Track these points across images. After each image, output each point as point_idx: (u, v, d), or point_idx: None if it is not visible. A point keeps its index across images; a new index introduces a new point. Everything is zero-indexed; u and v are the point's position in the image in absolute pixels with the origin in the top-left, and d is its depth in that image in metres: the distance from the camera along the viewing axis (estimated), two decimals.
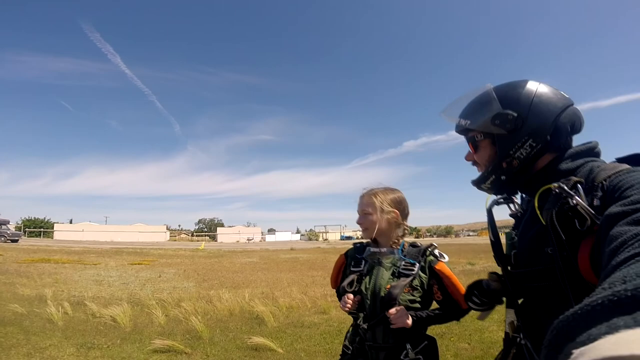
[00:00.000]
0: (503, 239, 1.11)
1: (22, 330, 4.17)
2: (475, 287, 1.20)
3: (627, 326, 0.25)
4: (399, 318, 1.44)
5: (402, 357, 1.51)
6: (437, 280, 1.54)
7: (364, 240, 1.75)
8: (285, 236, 72.06)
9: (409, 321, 1.45)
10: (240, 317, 5.32)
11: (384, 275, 1.56)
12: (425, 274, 1.54)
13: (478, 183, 1.06)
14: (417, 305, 1.51)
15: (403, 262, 1.56)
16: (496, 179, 1.01)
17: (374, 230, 1.61)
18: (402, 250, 1.60)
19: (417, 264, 1.54)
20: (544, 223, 0.83)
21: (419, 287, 1.52)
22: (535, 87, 0.96)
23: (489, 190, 1.08)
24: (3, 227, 30.98)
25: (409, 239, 1.68)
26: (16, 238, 30.46)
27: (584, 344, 0.26)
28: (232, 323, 4.97)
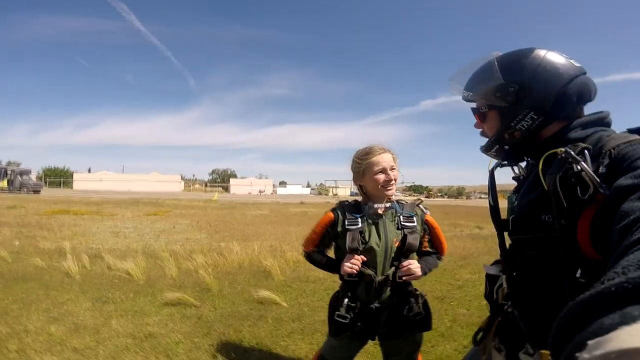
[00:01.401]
0: (504, 202, 1.10)
1: (42, 285, 4.41)
2: None
3: None
4: (411, 270, 1.55)
5: (405, 313, 1.58)
6: (427, 230, 1.71)
7: (358, 198, 1.77)
8: (296, 189, 73.01)
9: (420, 272, 1.57)
10: (249, 270, 5.52)
11: (391, 229, 1.61)
12: (420, 226, 1.68)
13: (484, 150, 1.08)
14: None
15: (402, 216, 1.63)
16: (500, 149, 1.03)
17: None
18: (399, 204, 1.68)
19: (415, 217, 1.65)
20: (546, 188, 0.81)
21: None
22: (541, 57, 0.92)
23: (496, 157, 1.09)
24: (25, 177, 31.80)
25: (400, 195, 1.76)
26: (38, 189, 31.38)
27: (596, 333, 0.25)
28: (240, 276, 5.16)
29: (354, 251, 1.54)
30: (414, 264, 1.56)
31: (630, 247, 0.40)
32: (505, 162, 1.11)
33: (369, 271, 1.56)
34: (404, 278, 1.54)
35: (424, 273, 1.63)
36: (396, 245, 1.58)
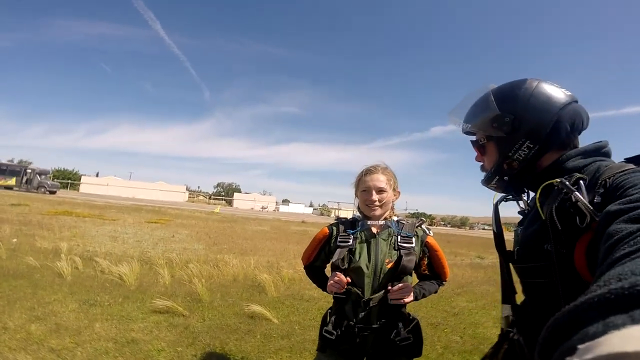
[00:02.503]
0: (510, 235, 1.13)
1: (31, 284, 4.36)
2: None
3: (624, 324, 0.25)
4: (404, 293, 1.45)
5: (392, 337, 1.49)
6: (427, 254, 1.62)
7: (358, 215, 1.72)
8: (298, 208, 72.94)
9: (411, 297, 1.49)
10: (242, 283, 5.44)
11: (383, 249, 1.54)
12: (419, 247, 1.60)
13: (485, 183, 1.10)
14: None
15: (400, 236, 1.56)
16: (499, 180, 1.04)
17: (387, 209, 1.65)
18: (398, 224, 1.61)
19: (413, 238, 1.58)
20: (543, 218, 0.83)
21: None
22: (533, 86, 0.96)
23: (497, 190, 1.10)
24: (42, 177, 31.97)
25: (400, 216, 1.73)
26: (54, 190, 31.62)
27: (581, 341, 0.26)
28: (233, 289, 5.08)
29: (337, 269, 1.52)
30: (405, 288, 1.46)
31: (612, 264, 0.42)
32: (510, 197, 1.12)
33: (355, 290, 1.51)
34: (393, 301, 1.45)
35: (416, 298, 1.55)
36: (388, 266, 1.52)
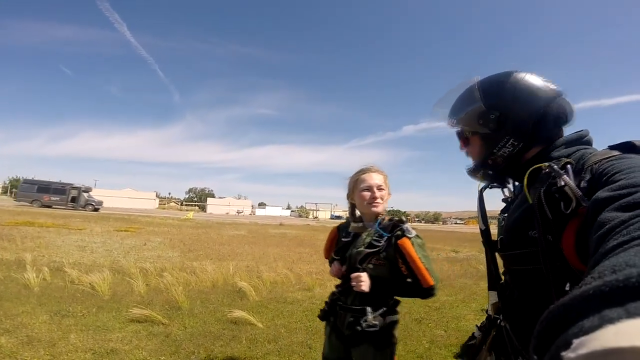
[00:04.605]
0: (494, 229, 1.12)
1: None
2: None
3: (619, 318, 0.25)
4: (358, 282, 1.54)
5: (360, 322, 1.58)
6: (400, 255, 1.59)
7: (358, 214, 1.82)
8: (275, 211, 72.44)
9: (365, 287, 1.54)
10: (222, 289, 5.30)
11: (359, 246, 1.68)
12: (391, 248, 1.61)
13: (470, 173, 1.10)
14: (384, 276, 1.60)
15: (377, 235, 1.65)
16: (484, 173, 1.06)
17: (385, 206, 1.73)
18: (380, 224, 1.68)
19: (385, 237, 1.63)
20: (530, 202, 0.82)
21: (386, 260, 1.60)
22: (517, 81, 0.95)
23: (482, 180, 1.11)
24: (87, 194, 31.32)
25: (389, 215, 1.75)
26: (99, 207, 31.02)
27: (576, 336, 0.26)
28: (213, 295, 4.94)
29: (332, 260, 1.79)
30: (360, 277, 1.56)
31: (605, 254, 0.41)
32: (495, 184, 1.13)
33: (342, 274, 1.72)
34: (355, 288, 1.56)
35: (373, 287, 1.56)
36: (362, 260, 1.65)
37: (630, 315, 0.25)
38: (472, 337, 1.26)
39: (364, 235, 1.71)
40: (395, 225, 1.64)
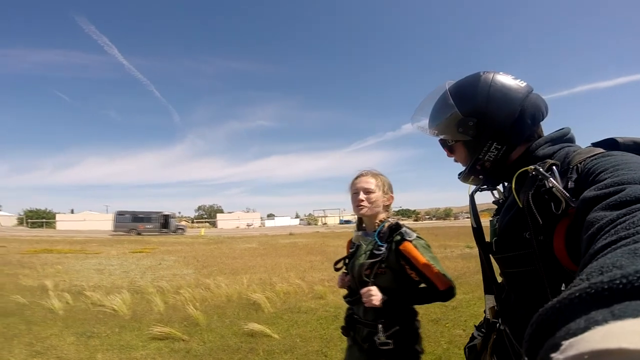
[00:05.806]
0: (488, 222, 1.13)
1: (24, 321, 4.27)
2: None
3: (606, 320, 0.25)
4: (368, 297, 1.47)
5: (374, 338, 1.51)
6: (406, 261, 1.50)
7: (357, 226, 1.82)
8: (284, 221, 72.28)
9: (376, 301, 1.45)
10: (237, 303, 5.42)
11: (360, 257, 1.64)
12: (393, 255, 1.53)
13: (463, 180, 1.11)
14: (388, 285, 1.51)
15: (377, 244, 1.58)
16: (475, 178, 1.06)
17: (375, 209, 1.65)
18: (380, 232, 1.60)
19: (385, 245, 1.55)
20: (520, 206, 0.83)
21: (390, 269, 1.52)
22: (488, 83, 0.95)
23: (475, 184, 1.12)
24: (173, 220, 33.85)
25: (393, 219, 1.64)
26: (184, 232, 33.39)
27: (564, 338, 0.26)
28: (229, 309, 5.07)
29: (339, 270, 1.79)
30: (370, 291, 1.47)
31: (594, 255, 0.41)
32: (485, 187, 1.13)
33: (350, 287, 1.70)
34: (366, 304, 1.49)
35: (386, 301, 1.48)
36: (366, 272, 1.57)
37: (615, 317, 0.25)
38: (472, 338, 1.25)
39: (364, 245, 1.68)
40: (392, 229, 1.56)
